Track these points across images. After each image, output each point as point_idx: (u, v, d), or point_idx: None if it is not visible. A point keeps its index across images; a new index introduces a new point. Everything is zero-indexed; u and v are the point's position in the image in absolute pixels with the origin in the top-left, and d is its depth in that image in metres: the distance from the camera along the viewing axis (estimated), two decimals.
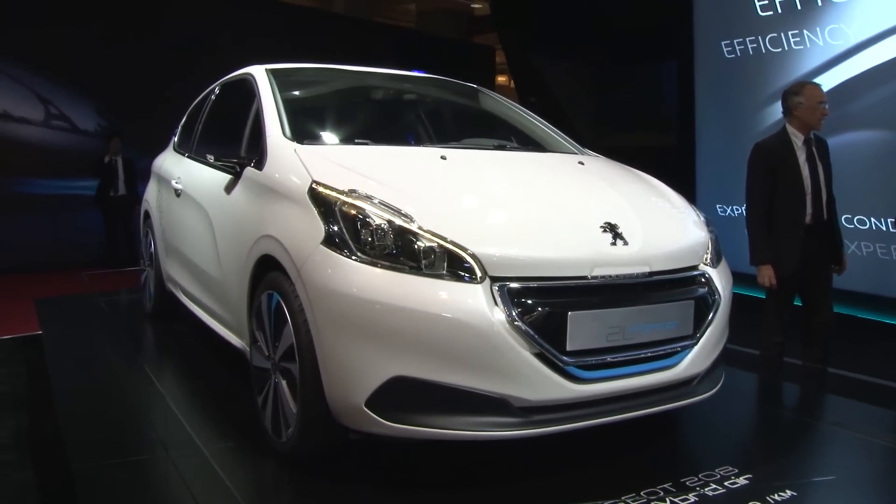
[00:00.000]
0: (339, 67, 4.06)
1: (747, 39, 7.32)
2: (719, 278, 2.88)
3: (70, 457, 2.87)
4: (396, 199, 2.54)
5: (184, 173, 4.30)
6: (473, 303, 2.31)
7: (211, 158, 3.42)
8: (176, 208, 4.33)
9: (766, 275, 4.30)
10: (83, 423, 3.25)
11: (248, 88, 3.69)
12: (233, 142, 3.56)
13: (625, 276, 2.55)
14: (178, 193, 4.27)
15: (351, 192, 2.57)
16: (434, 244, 2.39)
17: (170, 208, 4.51)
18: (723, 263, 3.04)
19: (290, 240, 2.65)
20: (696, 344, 2.70)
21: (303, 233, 2.59)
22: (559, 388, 2.38)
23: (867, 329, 6.44)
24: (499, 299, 2.33)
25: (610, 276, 2.51)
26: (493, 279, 2.37)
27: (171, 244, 4.51)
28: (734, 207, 7.87)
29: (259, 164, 3.11)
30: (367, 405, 2.37)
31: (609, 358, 2.47)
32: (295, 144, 3.02)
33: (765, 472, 2.69)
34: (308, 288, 2.50)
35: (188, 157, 4.38)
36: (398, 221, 2.44)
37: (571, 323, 2.37)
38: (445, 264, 2.38)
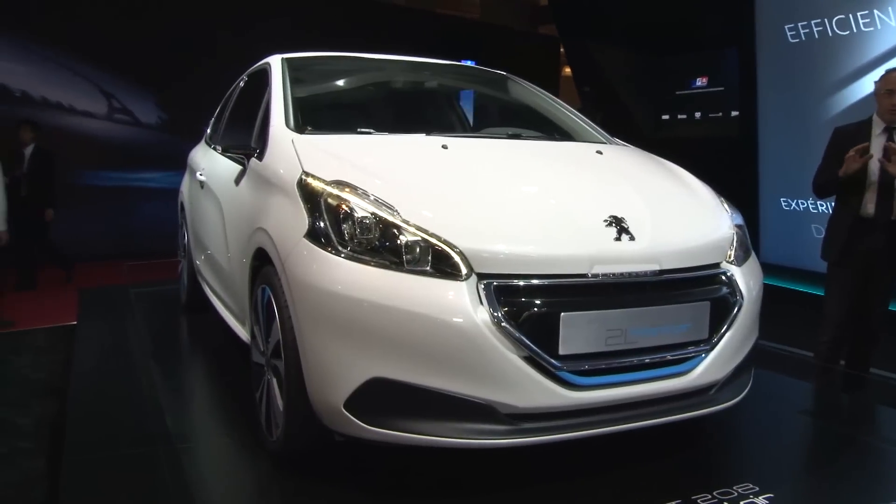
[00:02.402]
0: (362, 56, 3.94)
1: (812, 22, 6.89)
2: (744, 277, 2.63)
3: (68, 448, 2.84)
4: (384, 190, 2.40)
5: (208, 165, 4.27)
6: (456, 301, 2.15)
7: (219, 150, 3.36)
8: (201, 200, 4.31)
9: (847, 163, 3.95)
10: (90, 415, 3.23)
11: (265, 78, 3.61)
12: (250, 132, 3.50)
13: (628, 275, 2.34)
14: (202, 185, 4.25)
15: (337, 183, 2.44)
16: (418, 238, 2.25)
17: (197, 200, 4.49)
18: (751, 261, 2.79)
19: (278, 232, 2.56)
20: (712, 349, 2.47)
21: (289, 225, 2.49)
22: (551, 394, 2.20)
23: None
24: (484, 298, 2.17)
25: (611, 275, 2.31)
26: (481, 276, 2.21)
27: (197, 236, 4.51)
28: (799, 201, 7.45)
29: (261, 155, 3.03)
30: (345, 407, 2.25)
31: (608, 363, 2.28)
32: (294, 134, 2.92)
33: (788, 492, 2.45)
34: (290, 282, 2.39)
35: (213, 148, 4.36)
36: (382, 214, 2.30)
37: (564, 325, 2.19)
38: (430, 260, 2.23)
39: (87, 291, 5.82)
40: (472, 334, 2.13)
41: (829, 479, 2.66)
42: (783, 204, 7.61)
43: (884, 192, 3.95)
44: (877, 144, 4.02)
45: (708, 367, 2.46)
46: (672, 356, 2.39)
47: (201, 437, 2.99)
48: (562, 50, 15.21)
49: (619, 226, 2.39)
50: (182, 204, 5.17)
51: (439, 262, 2.22)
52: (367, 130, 3.04)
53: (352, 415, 2.25)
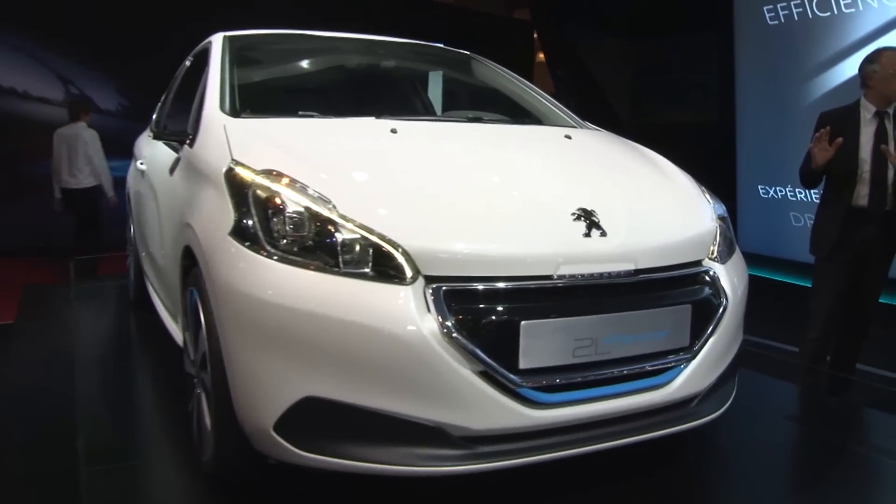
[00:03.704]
0: (314, 34, 3.62)
1: (792, 3, 6.66)
2: (728, 276, 2.37)
3: None
4: (321, 181, 2.11)
5: (149, 153, 3.95)
6: (399, 309, 1.87)
7: (149, 135, 3.06)
8: (142, 190, 3.99)
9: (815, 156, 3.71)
10: (8, 427, 2.91)
11: (207, 58, 3.29)
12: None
13: (599, 276, 2.06)
14: (143, 175, 3.93)
15: (268, 173, 2.14)
16: (357, 236, 1.96)
17: (139, 190, 4.17)
18: (736, 257, 2.53)
19: (203, 229, 2.27)
20: (693, 357, 2.21)
21: (215, 221, 2.19)
22: (510, 414, 1.93)
23: None
24: (432, 304, 1.88)
25: (580, 276, 2.03)
26: (429, 279, 1.92)
27: (140, 229, 4.19)
28: (777, 189, 7.24)
29: (192, 142, 2.73)
30: (275, 430, 1.96)
31: (576, 377, 2.01)
32: (227, 119, 2.61)
33: None
34: (214, 286, 2.10)
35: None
36: (316, 208, 2.01)
37: (525, 334, 1.91)
38: (370, 261, 1.94)
39: (30, 288, 5.45)
40: (418, 347, 1.85)
41: (820, 497, 2.42)
42: (761, 191, 7.41)
43: (877, 182, 3.71)
44: (867, 130, 3.78)
45: (689, 378, 2.20)
46: (649, 367, 2.12)
47: (132, 456, 2.67)
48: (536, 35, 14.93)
49: (589, 220, 2.12)
50: (128, 194, 4.85)
51: (381, 264, 1.93)
52: (310, 113, 2.73)
53: (283, 438, 1.96)
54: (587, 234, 2.09)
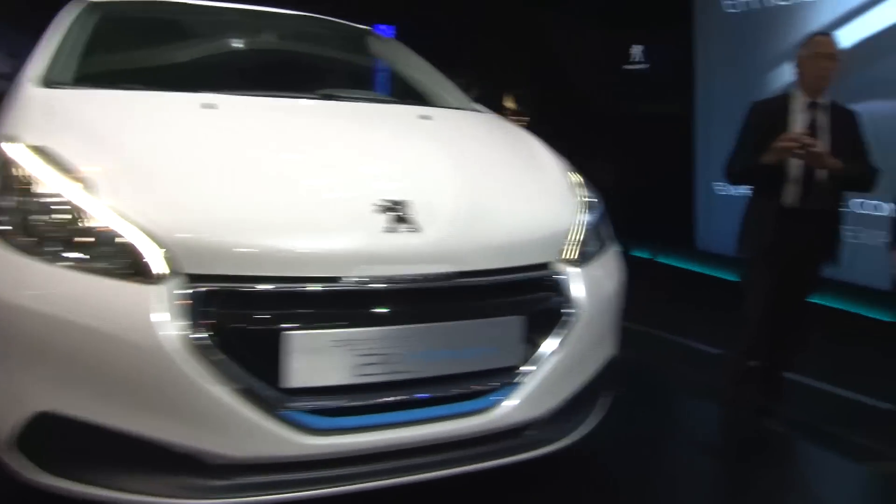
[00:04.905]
0: (187, 2, 3.29)
1: None
2: (586, 282, 2.06)
3: None
4: (89, 162, 1.82)
5: None
6: (139, 313, 1.60)
7: None
8: None
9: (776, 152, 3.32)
10: None
11: None
12: None
13: (401, 279, 1.77)
14: None
15: (35, 150, 1.84)
16: (106, 226, 1.68)
17: None
18: (605, 260, 2.23)
19: None
20: (522, 379, 1.92)
21: None
22: (275, 440, 1.65)
23: (878, 331, 5.41)
24: (181, 309, 1.60)
25: (373, 279, 1.74)
26: (190, 278, 1.64)
27: None
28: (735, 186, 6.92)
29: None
30: (19, 447, 1.69)
31: (366, 400, 1.73)
32: (33, 88, 2.28)
33: None
34: None
35: None
36: (67, 193, 1.72)
37: (291, 348, 1.64)
38: (117, 255, 1.66)
39: None
40: (158, 359, 1.58)
41: None
42: (716, 189, 7.08)
43: (808, 179, 3.41)
44: (800, 122, 3.48)
45: (520, 403, 1.91)
46: (463, 390, 1.84)
47: None
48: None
49: (398, 213, 1.82)
50: None
51: (130, 259, 1.65)
52: (129, 86, 2.40)
53: (25, 457, 1.69)
54: (391, 230, 1.79)
